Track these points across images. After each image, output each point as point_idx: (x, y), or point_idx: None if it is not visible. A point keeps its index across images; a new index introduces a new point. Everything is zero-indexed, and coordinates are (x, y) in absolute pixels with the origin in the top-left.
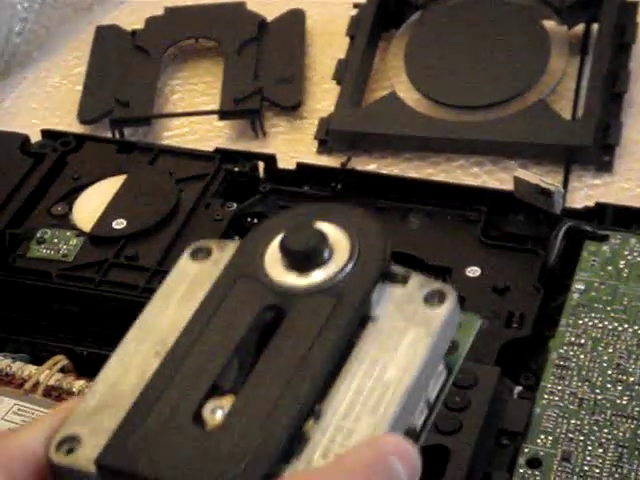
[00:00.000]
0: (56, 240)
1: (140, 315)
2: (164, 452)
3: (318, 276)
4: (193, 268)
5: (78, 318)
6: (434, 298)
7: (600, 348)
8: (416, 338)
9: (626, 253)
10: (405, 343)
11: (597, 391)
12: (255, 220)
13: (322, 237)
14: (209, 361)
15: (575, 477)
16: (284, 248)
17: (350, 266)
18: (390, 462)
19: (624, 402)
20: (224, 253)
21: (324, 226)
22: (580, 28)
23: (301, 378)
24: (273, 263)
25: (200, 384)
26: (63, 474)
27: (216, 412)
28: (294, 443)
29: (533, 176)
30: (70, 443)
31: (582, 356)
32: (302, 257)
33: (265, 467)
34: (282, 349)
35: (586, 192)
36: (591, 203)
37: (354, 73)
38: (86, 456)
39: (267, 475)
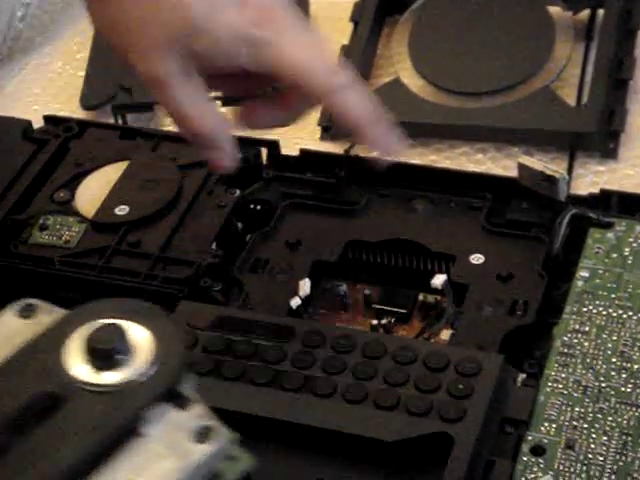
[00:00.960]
0: (58, 226)
1: None
2: None
3: (107, 377)
4: (13, 322)
5: (80, 305)
6: (203, 434)
7: (604, 336)
8: (169, 469)
9: (631, 240)
10: (157, 470)
11: (601, 379)
12: (258, 207)
13: (124, 344)
14: None
15: (579, 465)
16: (86, 340)
17: (140, 378)
18: None
19: (628, 390)
20: (48, 317)
21: (134, 330)
22: (585, 14)
23: (43, 476)
24: (72, 351)
25: None
26: None
27: None
28: None
29: (537, 163)
30: None
31: (586, 344)
32: (99, 356)
33: None
34: (42, 438)
35: (591, 179)
36: (596, 190)
37: (358, 59)
38: None
39: None
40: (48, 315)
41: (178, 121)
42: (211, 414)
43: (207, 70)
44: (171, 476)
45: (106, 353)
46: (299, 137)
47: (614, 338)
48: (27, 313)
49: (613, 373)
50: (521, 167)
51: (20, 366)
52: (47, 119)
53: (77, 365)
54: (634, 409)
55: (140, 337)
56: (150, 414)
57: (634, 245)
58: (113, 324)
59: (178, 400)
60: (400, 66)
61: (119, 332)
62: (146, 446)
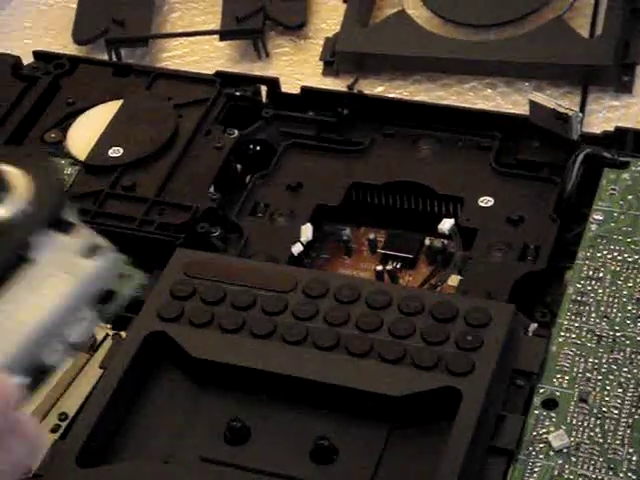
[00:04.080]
0: None
1: None
2: None
3: None
4: None
5: None
6: (91, 251)
7: (619, 282)
8: (62, 284)
9: None
10: (50, 287)
11: (616, 328)
12: (258, 148)
13: (1, 183)
14: None
15: (592, 418)
16: None
17: (21, 211)
18: None
19: None
20: None
21: (10, 171)
22: None
23: None
24: None
25: None
26: None
27: None
28: None
29: (549, 100)
30: None
31: (600, 291)
32: None
33: None
34: None
35: (604, 115)
36: (609, 127)
37: None
38: None
39: None
40: None
41: None
42: (97, 235)
43: None
44: (64, 290)
45: None
46: (300, 73)
47: (629, 285)
48: None
49: (628, 322)
50: (532, 104)
51: None
52: (37, 55)
53: None
54: None
55: (16, 176)
56: (36, 241)
57: None
58: None
59: (63, 226)
60: None
61: None
62: (37, 269)
